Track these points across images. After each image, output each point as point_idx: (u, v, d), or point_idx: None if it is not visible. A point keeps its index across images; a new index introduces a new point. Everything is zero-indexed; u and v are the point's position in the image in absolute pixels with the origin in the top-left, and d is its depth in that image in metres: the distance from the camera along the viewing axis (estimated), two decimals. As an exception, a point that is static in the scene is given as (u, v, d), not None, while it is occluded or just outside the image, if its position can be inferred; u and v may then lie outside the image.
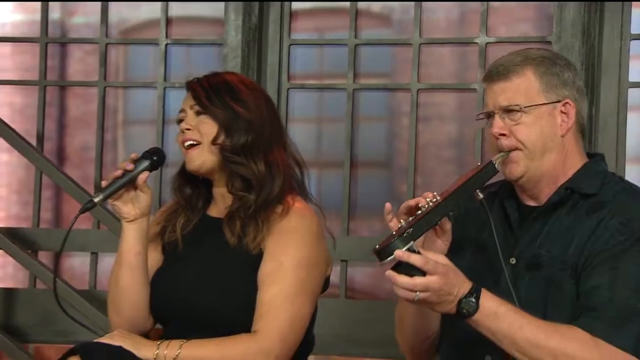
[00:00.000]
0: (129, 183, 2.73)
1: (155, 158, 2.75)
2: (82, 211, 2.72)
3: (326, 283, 2.83)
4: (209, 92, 2.79)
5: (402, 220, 2.44)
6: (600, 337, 2.38)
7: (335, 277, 4.18)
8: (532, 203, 2.61)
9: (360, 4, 4.34)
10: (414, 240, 2.35)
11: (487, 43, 4.15)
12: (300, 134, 4.48)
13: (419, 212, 2.42)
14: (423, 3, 4.24)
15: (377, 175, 4.54)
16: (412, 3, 4.23)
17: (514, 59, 2.62)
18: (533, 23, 4.32)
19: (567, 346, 2.38)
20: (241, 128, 2.75)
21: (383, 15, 4.48)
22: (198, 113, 2.75)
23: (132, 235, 2.80)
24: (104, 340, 2.64)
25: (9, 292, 4.46)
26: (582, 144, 2.63)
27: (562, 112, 2.55)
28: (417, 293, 2.32)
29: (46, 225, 4.55)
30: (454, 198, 2.45)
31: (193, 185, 2.87)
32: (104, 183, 2.75)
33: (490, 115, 2.57)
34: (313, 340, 2.85)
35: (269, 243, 2.74)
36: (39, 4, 4.58)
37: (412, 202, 2.45)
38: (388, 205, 2.46)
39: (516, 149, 2.53)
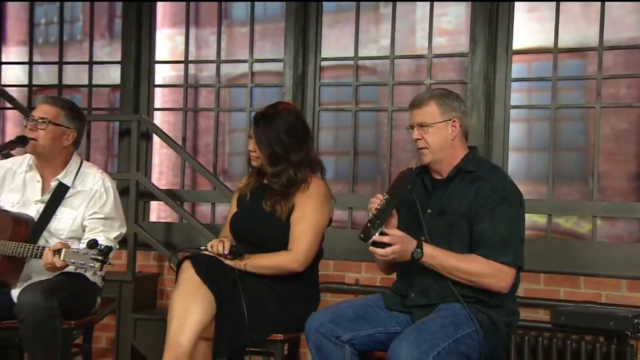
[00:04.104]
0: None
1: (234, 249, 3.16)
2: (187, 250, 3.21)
3: (330, 222, 3.37)
4: (258, 130, 3.27)
5: (370, 214, 2.81)
6: (490, 258, 2.82)
7: (345, 217, 4.97)
8: (438, 177, 3.07)
9: (360, 62, 5.08)
10: (381, 226, 2.75)
11: (431, 83, 4.86)
12: (326, 137, 5.22)
13: (378, 206, 2.78)
14: (395, 60, 4.96)
15: (369, 159, 5.13)
16: (388, 61, 4.97)
17: (424, 95, 3.06)
18: (456, 72, 4.95)
19: (473, 266, 2.82)
20: (272, 154, 3.27)
21: (372, 68, 5.11)
22: (254, 139, 3.33)
23: None
24: (206, 253, 3.24)
25: (168, 225, 5.42)
26: (465, 142, 3.04)
27: (452, 126, 3.00)
28: (389, 256, 2.78)
29: (187, 188, 5.39)
30: (397, 195, 2.83)
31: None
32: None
33: (412, 128, 3.05)
34: (322, 253, 3.39)
35: (297, 202, 3.25)
36: (182, 65, 5.51)
37: (373, 200, 2.85)
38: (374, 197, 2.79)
39: (425, 147, 3.01)
